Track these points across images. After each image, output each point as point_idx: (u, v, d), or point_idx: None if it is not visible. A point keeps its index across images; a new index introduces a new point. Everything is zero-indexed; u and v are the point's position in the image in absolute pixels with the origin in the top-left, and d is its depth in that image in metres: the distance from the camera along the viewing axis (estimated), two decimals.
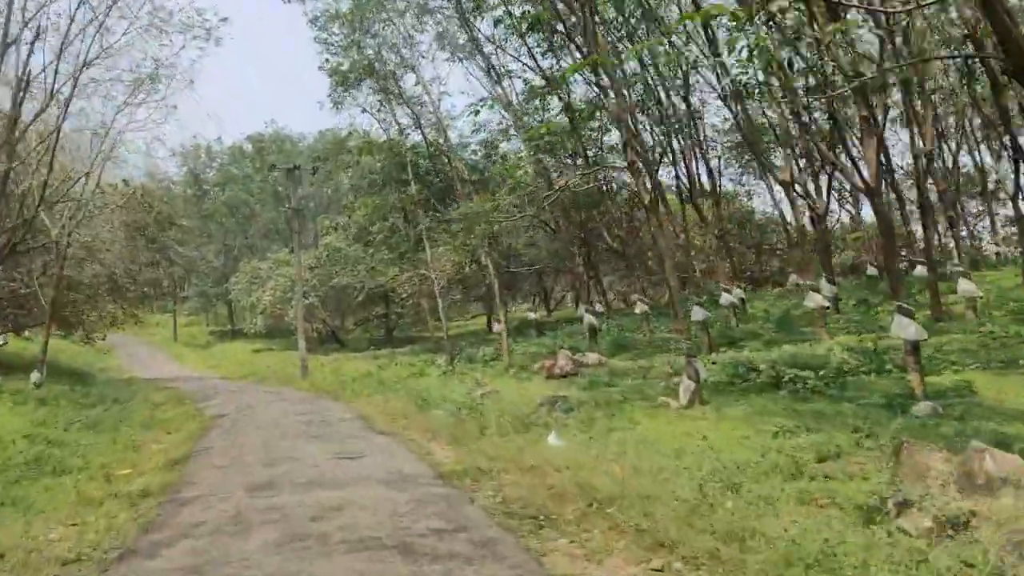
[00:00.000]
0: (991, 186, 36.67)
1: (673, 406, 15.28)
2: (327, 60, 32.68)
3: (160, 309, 76.92)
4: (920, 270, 26.62)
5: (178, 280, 70.64)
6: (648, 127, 32.44)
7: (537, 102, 31.07)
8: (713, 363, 20.10)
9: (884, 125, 20.69)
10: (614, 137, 32.32)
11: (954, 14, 19.76)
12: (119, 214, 33.76)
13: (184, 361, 49.81)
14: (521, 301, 51.00)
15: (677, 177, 34.13)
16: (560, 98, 28.37)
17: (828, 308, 21.06)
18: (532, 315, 34.36)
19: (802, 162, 28.85)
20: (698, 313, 22.52)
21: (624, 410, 15.56)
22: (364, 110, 34.97)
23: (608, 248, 40.92)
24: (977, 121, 33.54)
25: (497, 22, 28.57)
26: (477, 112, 29.36)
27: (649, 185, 16.78)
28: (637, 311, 29.02)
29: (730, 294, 26.33)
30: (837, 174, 28.29)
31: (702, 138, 36.53)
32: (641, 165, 14.62)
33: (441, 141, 32.78)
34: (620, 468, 10.34)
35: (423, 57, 31.96)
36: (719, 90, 25.32)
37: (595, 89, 20.95)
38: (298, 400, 22.57)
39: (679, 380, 18.84)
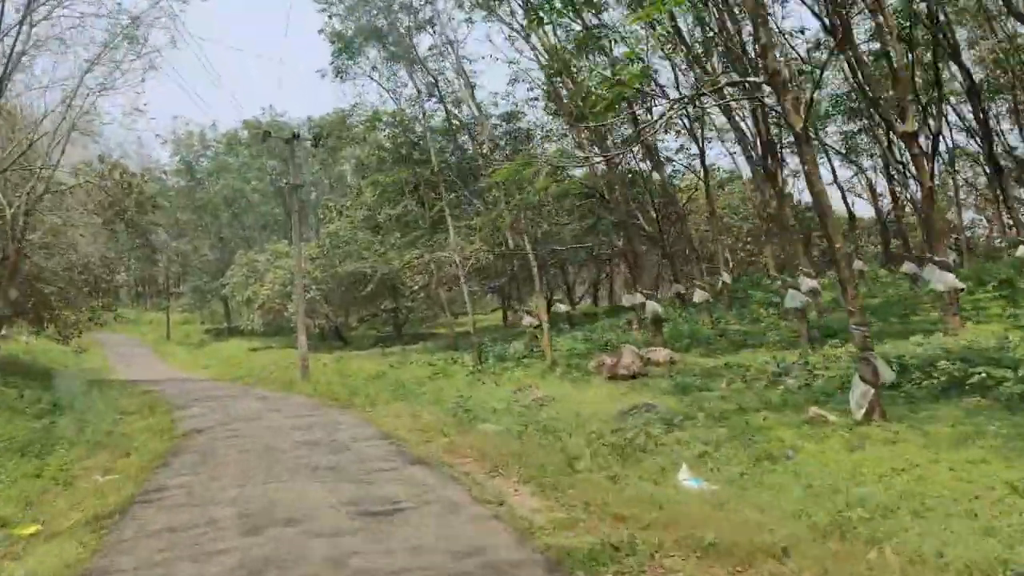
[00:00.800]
0: None
1: (833, 421, 10.54)
2: (329, 20, 27.94)
3: (155, 306, 71.87)
4: None
5: (172, 276, 65.75)
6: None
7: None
8: (834, 359, 15.45)
9: None
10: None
11: None
12: (96, 196, 28.95)
13: (174, 361, 44.98)
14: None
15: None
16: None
17: (963, 290, 16.33)
18: (562, 307, 29.56)
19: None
20: (795, 299, 17.88)
21: (759, 427, 10.84)
22: (371, 78, 30.30)
23: (645, 234, 36.22)
24: None
25: None
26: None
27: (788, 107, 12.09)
28: (697, 299, 24.26)
29: (811, 279, 21.63)
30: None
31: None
32: (787, 74, 9.99)
33: (466, 109, 28.02)
34: (887, 553, 5.64)
35: (438, 16, 27.19)
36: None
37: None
38: (298, 409, 17.76)
39: (793, 382, 14.20)
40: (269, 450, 11.84)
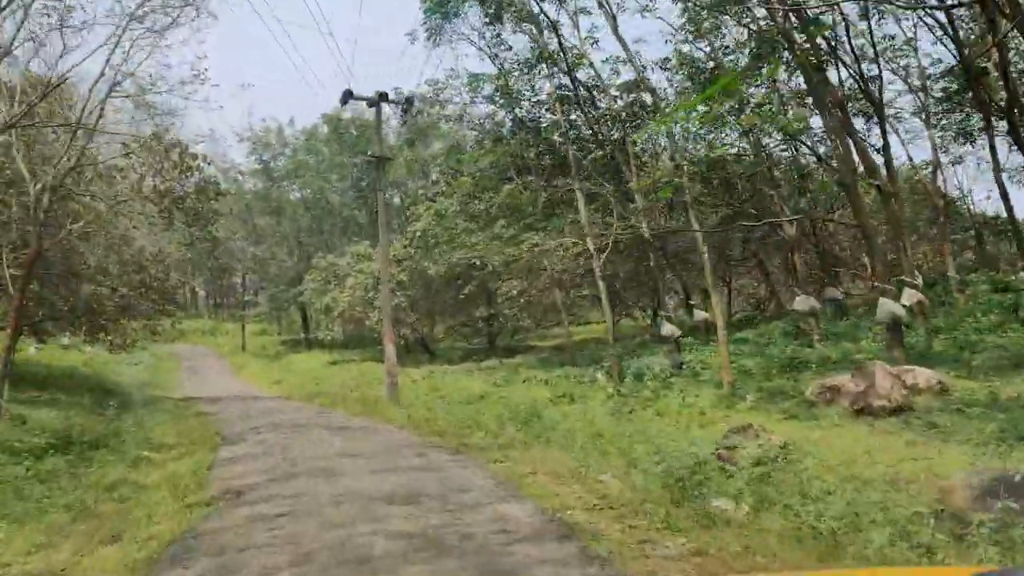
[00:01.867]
0: None
1: None
2: None
3: (232, 317, 67.76)
4: None
5: (249, 284, 61.57)
6: None
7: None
8: None
9: None
10: None
11: None
12: (148, 177, 24.10)
13: (246, 374, 40.13)
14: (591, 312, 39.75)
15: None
16: None
17: None
18: (701, 313, 23.26)
19: None
20: None
21: None
22: (470, 40, 24.86)
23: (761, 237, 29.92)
24: None
25: None
26: None
27: None
28: (905, 301, 17.82)
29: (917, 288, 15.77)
30: None
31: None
32: None
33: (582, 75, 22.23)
34: None
35: None
36: None
37: None
38: (391, 453, 11.92)
39: None
40: (345, 546, 6.04)
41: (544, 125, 25.34)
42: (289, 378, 35.83)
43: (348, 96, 19.84)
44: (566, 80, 24.14)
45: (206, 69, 23.55)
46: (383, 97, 20.30)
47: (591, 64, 22.45)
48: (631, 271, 28.86)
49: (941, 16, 21.45)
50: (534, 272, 25.19)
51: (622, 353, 25.35)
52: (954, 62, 22.78)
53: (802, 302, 19.38)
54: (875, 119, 23.53)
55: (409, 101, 20.67)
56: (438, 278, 35.23)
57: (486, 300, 36.38)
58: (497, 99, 25.48)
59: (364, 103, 22.18)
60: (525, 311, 32.91)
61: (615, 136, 23.18)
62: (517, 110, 25.78)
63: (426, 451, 11.57)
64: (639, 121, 23.34)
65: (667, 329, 21.39)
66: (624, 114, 22.56)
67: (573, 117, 25.04)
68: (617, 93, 23.40)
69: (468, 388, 22.47)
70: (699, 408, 13.56)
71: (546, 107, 25.52)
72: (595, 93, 24.04)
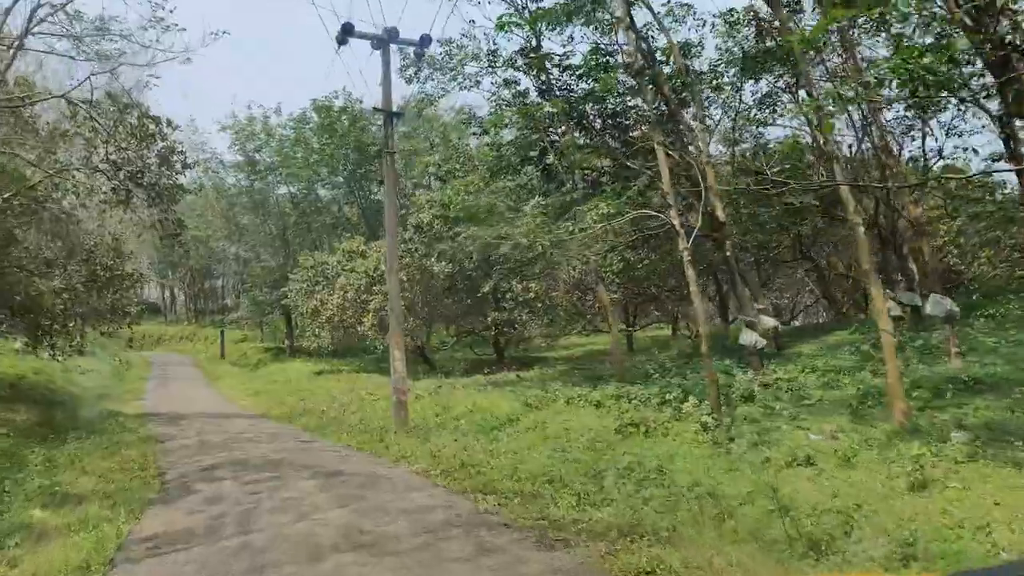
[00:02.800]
0: None
1: None
2: None
3: (214, 323, 62.26)
4: None
5: (231, 287, 56.39)
6: None
7: None
8: None
9: None
10: None
11: None
12: (100, 147, 19.21)
13: (221, 385, 34.96)
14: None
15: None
16: None
17: None
18: (770, 321, 18.44)
19: None
20: None
21: None
22: None
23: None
24: None
25: None
26: None
27: None
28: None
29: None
30: None
31: None
32: None
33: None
34: None
35: None
36: None
37: None
38: (428, 535, 6.86)
39: None
40: None
41: (578, 94, 20.51)
42: (269, 390, 30.75)
43: (347, 32, 14.94)
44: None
45: (172, 10, 18.55)
46: (392, 36, 15.43)
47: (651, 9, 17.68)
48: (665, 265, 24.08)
49: None
50: (571, 261, 20.32)
51: (668, 366, 20.56)
52: None
53: (936, 304, 14.65)
54: None
55: (424, 42, 15.84)
56: (442, 278, 30.31)
57: (494, 304, 31.50)
58: (524, 59, 20.66)
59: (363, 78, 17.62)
60: (545, 315, 27.99)
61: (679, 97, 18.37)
62: (550, 70, 20.92)
63: (494, 539, 6.55)
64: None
65: (749, 337, 16.74)
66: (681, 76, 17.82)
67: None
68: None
69: (491, 409, 17.63)
70: (884, 455, 8.73)
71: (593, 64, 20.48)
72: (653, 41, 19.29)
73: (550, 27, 19.75)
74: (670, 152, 15.61)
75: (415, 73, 21.57)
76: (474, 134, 21.79)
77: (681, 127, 17.87)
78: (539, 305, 28.39)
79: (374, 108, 18.58)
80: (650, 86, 16.98)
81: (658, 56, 19.58)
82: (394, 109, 15.82)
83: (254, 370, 41.28)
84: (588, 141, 21.34)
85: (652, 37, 19.92)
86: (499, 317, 28.77)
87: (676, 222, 12.40)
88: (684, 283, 18.60)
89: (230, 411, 23.62)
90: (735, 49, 20.45)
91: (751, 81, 20.93)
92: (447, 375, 31.85)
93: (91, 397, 27.98)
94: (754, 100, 22.31)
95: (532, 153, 21.34)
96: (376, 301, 31.46)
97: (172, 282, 70.18)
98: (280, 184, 46.70)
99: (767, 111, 22.50)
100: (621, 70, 18.88)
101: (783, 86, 21.76)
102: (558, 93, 20.67)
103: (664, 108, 17.27)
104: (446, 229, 26.74)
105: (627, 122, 21.39)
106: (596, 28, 19.59)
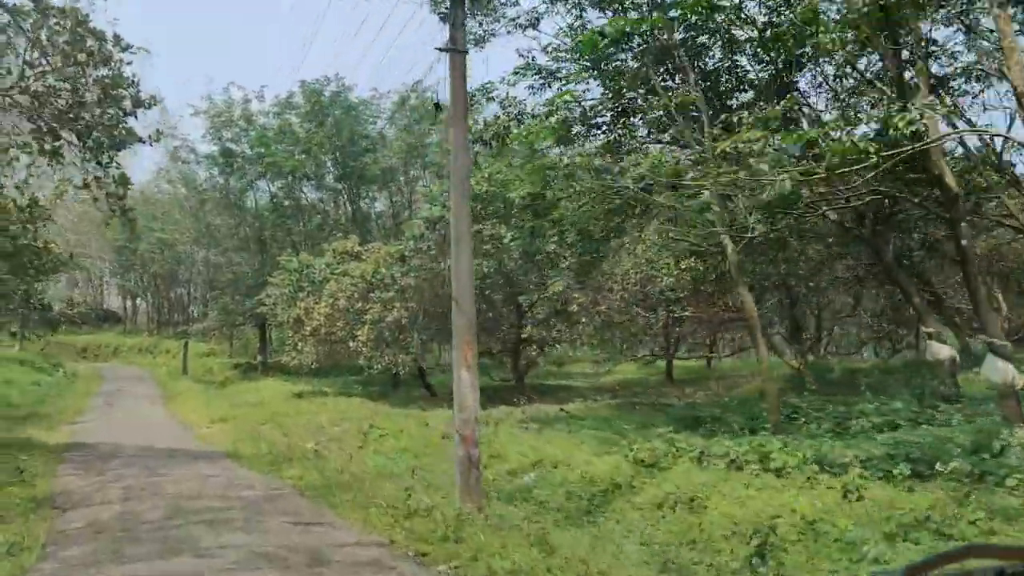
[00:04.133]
0: None
1: None
2: None
3: (178, 335, 54.99)
4: None
5: (199, 296, 49.74)
6: None
7: None
8: None
9: None
10: None
11: None
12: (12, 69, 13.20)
13: (180, 406, 28.40)
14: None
15: None
16: None
17: None
18: (945, 351, 12.73)
19: None
20: None
21: None
22: None
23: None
24: None
25: None
26: None
27: None
28: None
29: None
30: None
31: None
32: None
33: None
34: None
35: None
36: None
37: None
38: None
39: None
40: None
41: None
42: (239, 415, 24.39)
43: None
44: None
45: None
46: None
47: None
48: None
49: None
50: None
51: (806, 410, 14.63)
52: None
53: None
54: None
55: None
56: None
57: (517, 319, 25.53)
58: None
59: None
60: (598, 333, 21.97)
61: None
62: None
63: None
64: None
65: (941, 351, 11.18)
66: None
67: None
68: None
69: (569, 461, 11.83)
70: None
71: None
72: None
73: None
74: None
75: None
76: (533, 85, 15.87)
77: None
78: (582, 321, 22.43)
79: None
80: None
81: None
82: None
83: (220, 388, 34.71)
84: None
85: None
86: (536, 333, 22.68)
87: None
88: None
89: (185, 445, 17.27)
90: None
91: None
92: (448, 404, 25.88)
93: (8, 416, 21.47)
94: None
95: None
96: (375, 311, 25.37)
97: (133, 288, 63.12)
98: (259, 179, 40.29)
99: None
100: None
101: None
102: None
103: None
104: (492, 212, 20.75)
105: None
106: None
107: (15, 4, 13.48)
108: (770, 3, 14.21)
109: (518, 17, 16.11)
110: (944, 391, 12.15)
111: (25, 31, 13.48)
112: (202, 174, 42.48)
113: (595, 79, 15.12)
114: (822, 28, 10.68)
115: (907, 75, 12.39)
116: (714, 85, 15.95)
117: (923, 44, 13.14)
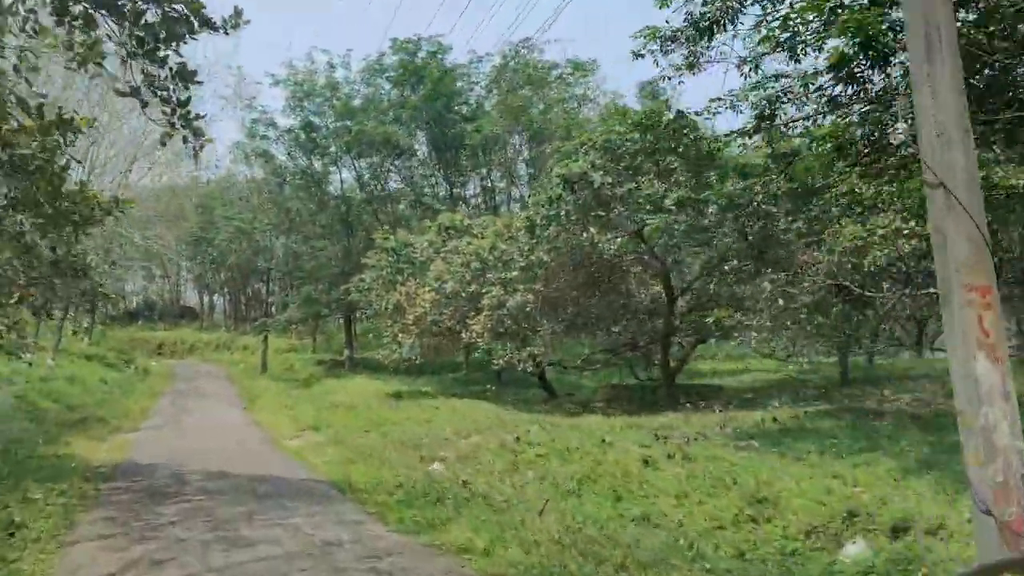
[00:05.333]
0: None
1: None
2: None
3: (256, 329, 50.82)
4: None
5: (278, 287, 45.52)
6: None
7: None
8: None
9: None
10: None
11: None
12: None
13: (259, 410, 23.64)
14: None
15: None
16: None
17: None
18: None
19: None
20: None
21: None
22: None
23: None
24: None
25: None
26: None
27: None
28: None
29: None
30: None
31: None
32: None
33: None
34: None
35: None
36: None
37: None
38: None
39: None
40: None
41: None
42: (332, 421, 19.46)
43: None
44: None
45: None
46: None
47: None
48: None
49: None
50: None
51: None
52: None
53: None
54: None
55: None
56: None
57: (669, 303, 20.03)
58: None
59: None
60: (787, 320, 16.15)
61: None
62: None
63: None
64: None
65: None
66: None
67: None
68: None
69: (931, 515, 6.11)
70: None
71: None
72: None
73: None
74: None
75: None
76: None
77: None
78: (776, 302, 16.74)
79: None
80: None
81: None
82: None
83: (304, 387, 30.01)
84: None
85: None
86: (695, 320, 17.02)
87: None
88: None
89: (272, 466, 12.24)
90: None
91: None
92: (584, 408, 20.47)
93: (60, 421, 16.95)
94: None
95: None
96: (494, 295, 20.21)
97: (210, 281, 59.61)
98: (346, 155, 35.50)
99: None
100: None
101: None
102: None
103: None
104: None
105: None
106: None
107: None
108: None
109: None
110: None
111: None
112: (281, 154, 37.97)
113: None
114: None
115: None
116: None
117: None
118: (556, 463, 11.71)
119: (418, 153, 34.76)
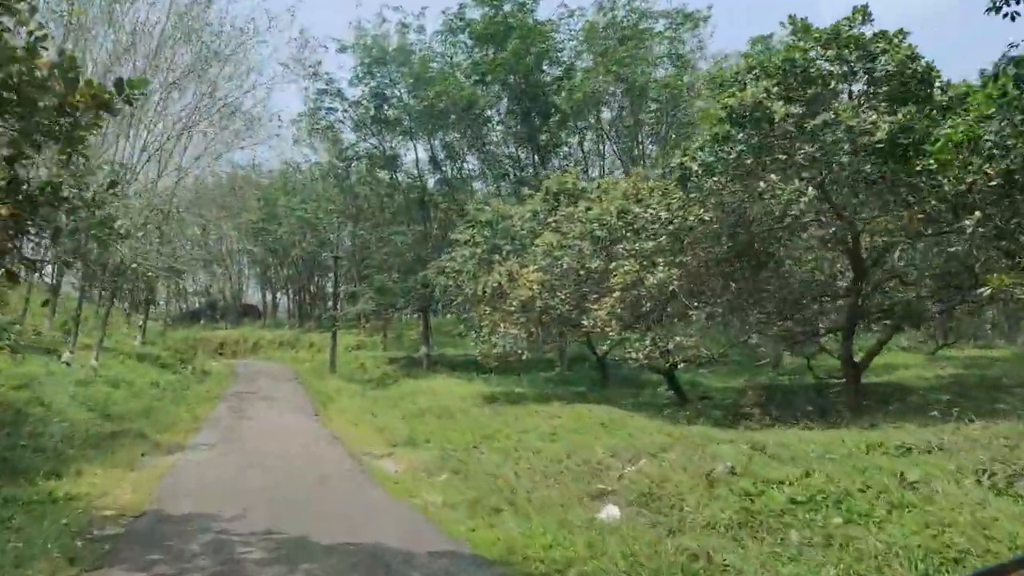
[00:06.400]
0: None
1: None
2: None
3: (320, 327, 46.83)
4: None
5: (345, 279, 41.42)
6: None
7: None
8: None
9: None
10: None
11: None
12: None
13: (335, 416, 19.32)
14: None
15: None
16: None
17: None
18: None
19: None
20: None
21: None
22: None
23: None
24: None
25: None
26: None
27: None
28: None
29: None
30: None
31: None
32: None
33: None
34: None
35: None
36: None
37: None
38: None
39: None
40: None
41: None
42: (429, 433, 14.97)
43: None
44: None
45: None
46: None
47: None
48: None
49: None
50: None
51: None
52: None
53: None
54: None
55: None
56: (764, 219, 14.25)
57: (855, 283, 14.97)
58: None
59: None
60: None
61: None
62: None
63: None
64: None
65: None
66: None
67: None
68: None
69: None
70: None
71: None
72: None
73: None
74: None
75: None
76: None
77: None
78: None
79: None
80: None
81: None
82: None
83: (380, 389, 25.65)
84: None
85: None
86: (1002, 282, 11.91)
87: None
88: None
89: (374, 518, 7.67)
90: None
91: None
92: (734, 416, 15.46)
93: (87, 437, 12.77)
94: None
95: None
96: (627, 271, 15.48)
97: (273, 278, 56.21)
98: (418, 131, 31.06)
99: None
100: None
101: None
102: None
103: None
104: None
105: None
106: None
107: None
108: None
109: None
110: None
111: None
112: (348, 131, 33.68)
113: None
114: None
115: None
116: None
117: None
118: (835, 517, 6.96)
119: (500, 125, 30.16)
